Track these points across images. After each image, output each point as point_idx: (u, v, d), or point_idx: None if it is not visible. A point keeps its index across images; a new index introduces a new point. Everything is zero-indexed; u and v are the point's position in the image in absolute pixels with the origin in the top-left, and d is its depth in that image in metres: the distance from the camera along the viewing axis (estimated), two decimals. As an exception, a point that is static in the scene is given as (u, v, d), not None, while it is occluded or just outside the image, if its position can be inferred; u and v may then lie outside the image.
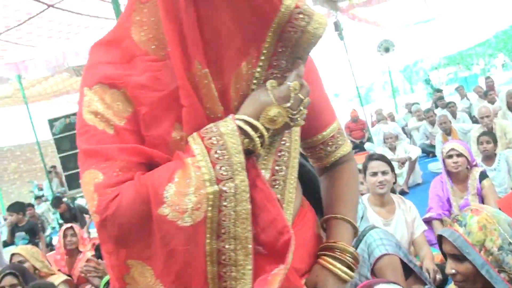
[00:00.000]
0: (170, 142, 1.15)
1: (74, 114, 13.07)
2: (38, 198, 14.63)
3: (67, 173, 13.06)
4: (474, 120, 10.06)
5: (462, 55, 35.21)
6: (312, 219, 1.43)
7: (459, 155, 4.31)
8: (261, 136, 1.11)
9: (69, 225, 5.40)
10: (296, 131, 1.30)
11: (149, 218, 1.06)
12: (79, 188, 13.01)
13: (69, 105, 16.86)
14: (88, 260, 4.36)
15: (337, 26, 12.94)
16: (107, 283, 3.26)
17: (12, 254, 4.38)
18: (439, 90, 14.75)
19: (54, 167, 13.40)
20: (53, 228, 11.82)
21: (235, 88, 1.15)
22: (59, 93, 14.71)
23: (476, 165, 4.48)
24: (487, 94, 11.05)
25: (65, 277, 4.26)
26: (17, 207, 7.73)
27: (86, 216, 10.56)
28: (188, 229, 1.04)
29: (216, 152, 1.06)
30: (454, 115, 10.05)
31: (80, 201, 12.65)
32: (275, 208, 1.11)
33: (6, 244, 11.32)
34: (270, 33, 1.10)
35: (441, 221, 4.31)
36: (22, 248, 4.50)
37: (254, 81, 1.15)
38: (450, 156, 4.34)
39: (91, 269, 3.62)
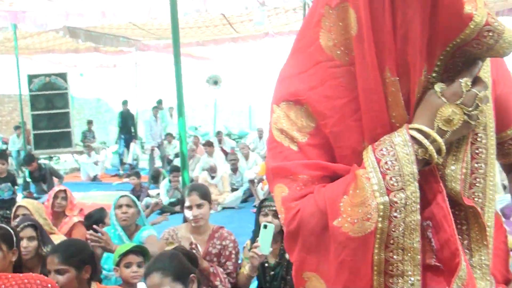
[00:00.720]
0: (360, 151, 1.15)
1: (56, 75, 12.85)
2: (2, 152, 14.27)
3: (36, 132, 12.80)
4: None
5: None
6: (503, 229, 1.40)
7: None
8: (435, 142, 1.08)
9: (63, 188, 5.29)
10: (492, 127, 1.24)
11: (327, 230, 1.11)
12: (45, 149, 12.77)
13: (49, 65, 16.52)
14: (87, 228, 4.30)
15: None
16: (122, 255, 3.22)
17: (18, 206, 4.27)
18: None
19: (23, 123, 13.10)
20: (18, 185, 11.54)
21: (415, 96, 1.14)
22: (45, 50, 14.39)
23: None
24: None
25: (65, 238, 4.18)
26: (3, 157, 7.49)
27: (55, 178, 10.36)
28: (358, 239, 1.07)
29: (386, 163, 1.07)
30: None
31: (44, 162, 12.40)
32: (450, 228, 1.10)
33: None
34: (451, 45, 1.09)
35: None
36: (29, 202, 4.36)
37: (430, 87, 1.13)
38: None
39: (94, 238, 3.57)
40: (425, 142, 1.08)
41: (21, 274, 2.09)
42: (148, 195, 9.21)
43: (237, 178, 9.75)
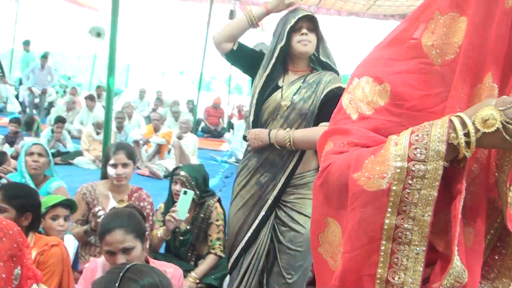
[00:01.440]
0: None
1: None
2: None
3: None
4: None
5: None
6: None
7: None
8: (468, 136, 1.08)
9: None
10: None
11: (348, 182, 1.21)
12: None
13: None
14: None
15: (232, 14, 13.17)
16: (50, 207, 3.14)
17: None
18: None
19: None
20: None
21: None
22: None
23: None
24: None
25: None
26: None
27: None
28: (370, 193, 1.14)
29: (417, 135, 1.12)
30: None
31: None
32: (454, 228, 1.12)
33: None
34: None
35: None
36: None
37: None
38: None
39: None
40: (459, 128, 1.09)
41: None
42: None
43: (121, 137, 9.56)
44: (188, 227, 3.97)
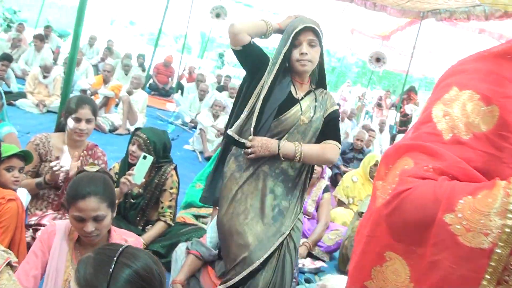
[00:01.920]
0: None
1: None
2: None
3: None
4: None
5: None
6: None
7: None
8: None
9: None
10: None
11: (432, 220, 1.00)
12: None
13: None
14: None
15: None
16: (5, 157, 3.00)
17: None
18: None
19: None
20: None
21: None
22: None
23: (323, 178, 5.07)
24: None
25: None
26: None
27: None
28: (466, 249, 0.95)
29: None
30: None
31: None
32: None
33: None
34: None
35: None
36: None
37: None
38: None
39: None
40: None
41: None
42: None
43: (68, 83, 9.22)
44: (140, 191, 3.91)
